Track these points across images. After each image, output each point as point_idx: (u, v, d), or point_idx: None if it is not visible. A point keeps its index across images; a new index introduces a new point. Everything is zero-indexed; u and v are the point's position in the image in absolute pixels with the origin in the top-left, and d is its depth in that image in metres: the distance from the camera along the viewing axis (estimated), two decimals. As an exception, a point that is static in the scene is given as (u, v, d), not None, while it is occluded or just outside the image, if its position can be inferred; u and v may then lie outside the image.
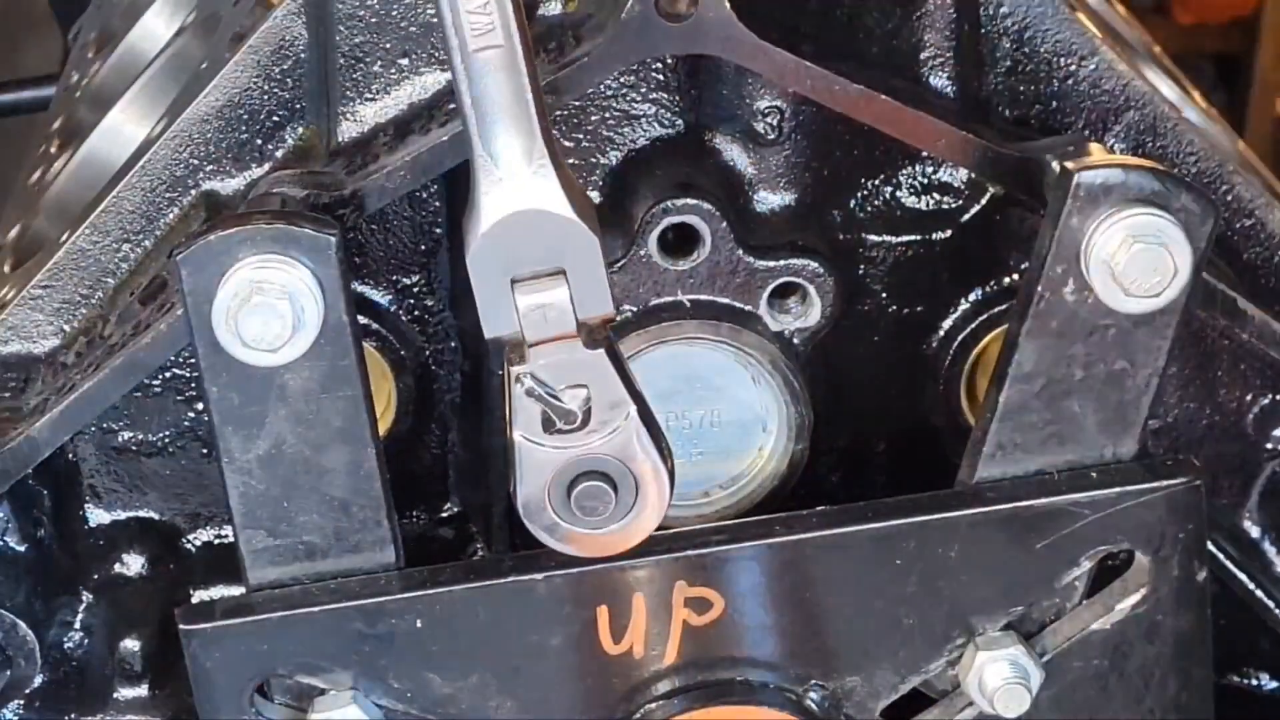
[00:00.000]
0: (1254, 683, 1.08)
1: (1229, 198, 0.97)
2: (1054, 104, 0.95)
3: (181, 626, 0.86)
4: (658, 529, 0.84)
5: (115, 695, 0.97)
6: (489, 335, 0.77)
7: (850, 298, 0.96)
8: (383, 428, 0.97)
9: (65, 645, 0.96)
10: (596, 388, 0.78)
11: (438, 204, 0.97)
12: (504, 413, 0.79)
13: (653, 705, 0.90)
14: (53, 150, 1.17)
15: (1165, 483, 0.90)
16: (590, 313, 0.77)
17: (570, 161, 0.94)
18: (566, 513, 0.80)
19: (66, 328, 0.94)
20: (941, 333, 0.99)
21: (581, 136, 0.94)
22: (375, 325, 0.98)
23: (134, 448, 0.97)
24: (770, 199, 0.95)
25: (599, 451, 0.79)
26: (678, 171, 0.94)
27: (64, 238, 0.94)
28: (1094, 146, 0.89)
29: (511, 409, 0.78)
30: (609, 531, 0.80)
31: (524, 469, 0.79)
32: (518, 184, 0.75)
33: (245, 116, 0.92)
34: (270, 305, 0.81)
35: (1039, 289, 0.86)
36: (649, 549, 0.88)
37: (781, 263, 0.93)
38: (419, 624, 0.87)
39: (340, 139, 0.91)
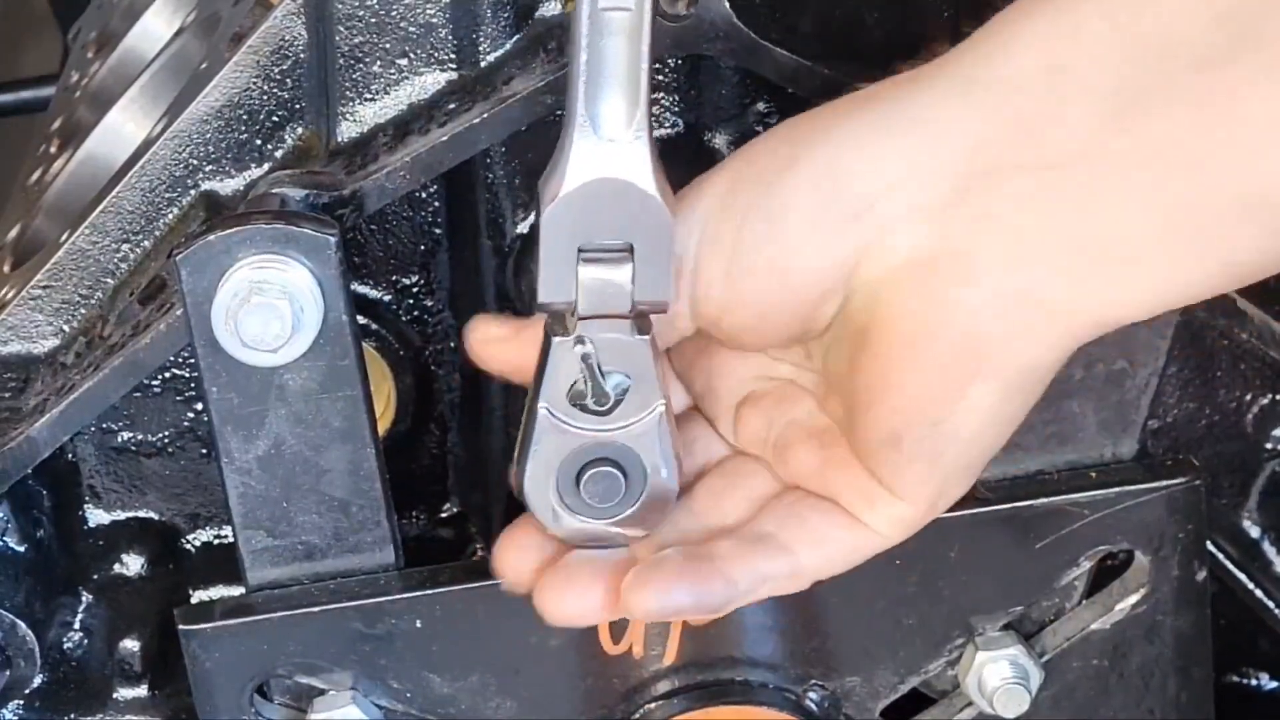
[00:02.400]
0: (1254, 683, 1.08)
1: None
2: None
3: (181, 627, 0.86)
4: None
5: (115, 695, 0.97)
6: (542, 300, 0.74)
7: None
8: (382, 428, 0.97)
9: (65, 645, 0.96)
10: (635, 375, 0.76)
11: (437, 204, 0.97)
12: (512, 389, 0.77)
13: (652, 705, 0.90)
14: (52, 150, 1.17)
15: (1165, 483, 0.90)
16: (648, 297, 0.75)
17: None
18: (572, 498, 0.78)
19: (66, 328, 0.94)
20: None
21: (581, 136, 0.94)
22: (375, 325, 0.98)
23: (134, 448, 0.97)
24: (770, 199, 0.95)
25: (620, 441, 0.77)
26: (677, 172, 0.94)
27: (63, 238, 0.94)
28: None
29: (543, 379, 0.76)
30: (608, 524, 0.79)
31: (540, 444, 0.77)
32: (612, 150, 0.73)
33: (245, 116, 0.92)
34: (270, 305, 0.81)
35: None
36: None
37: (781, 263, 0.93)
38: (419, 624, 0.87)
39: (340, 139, 0.91)
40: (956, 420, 0.75)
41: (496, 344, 0.81)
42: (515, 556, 0.81)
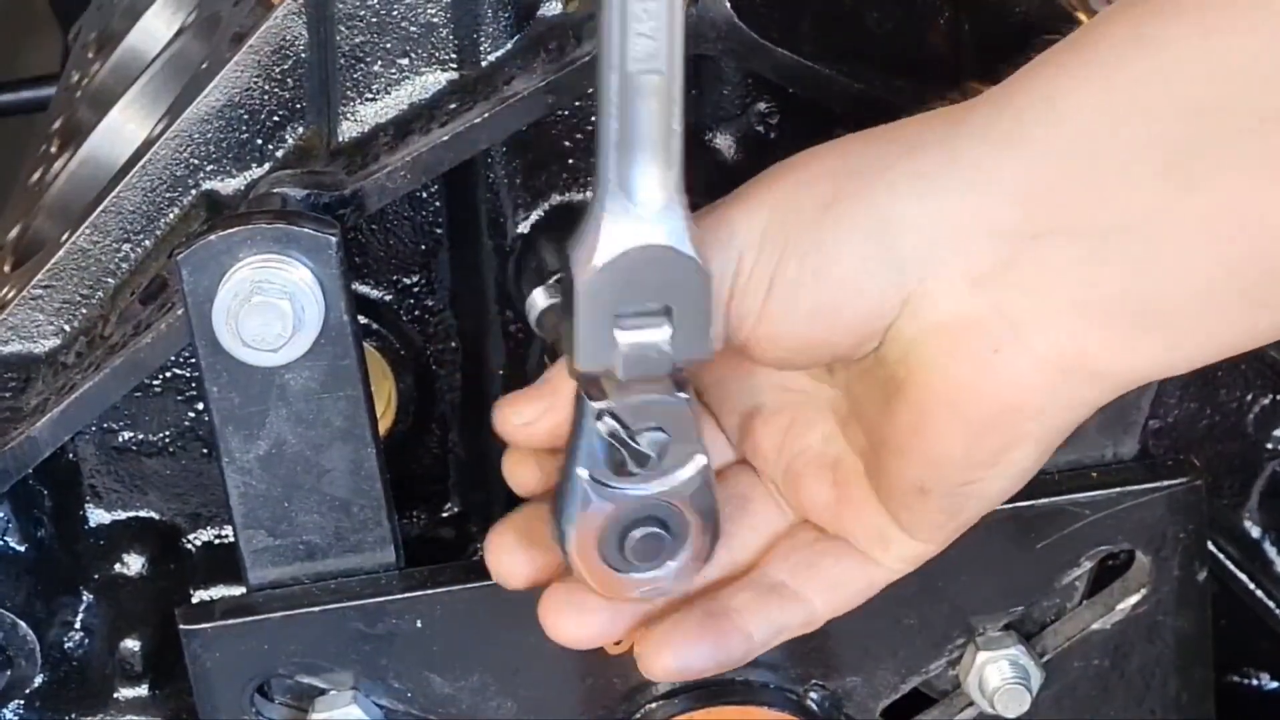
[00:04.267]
0: (1254, 683, 1.08)
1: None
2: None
3: (181, 626, 0.86)
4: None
5: (115, 695, 0.97)
6: (582, 369, 0.72)
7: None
8: (383, 428, 0.97)
9: (65, 645, 0.96)
10: (674, 432, 0.74)
11: (438, 204, 0.97)
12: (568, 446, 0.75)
13: (653, 705, 0.90)
14: (53, 150, 1.17)
15: (1165, 483, 0.90)
16: (689, 355, 0.72)
17: (570, 162, 0.95)
18: (616, 556, 0.76)
19: (67, 328, 0.94)
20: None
21: (581, 137, 0.94)
22: (375, 325, 0.98)
23: (134, 448, 0.97)
24: (771, 199, 0.95)
25: (662, 498, 0.75)
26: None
27: (64, 238, 0.94)
28: None
29: (579, 445, 0.74)
30: (651, 577, 0.77)
31: (582, 509, 0.75)
32: (647, 217, 0.70)
33: (245, 116, 0.92)
34: (271, 305, 0.81)
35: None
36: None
37: (782, 263, 0.93)
38: (419, 624, 0.87)
39: (340, 139, 0.91)
40: (987, 481, 0.74)
41: (531, 428, 0.79)
42: (509, 560, 0.81)
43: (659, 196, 0.70)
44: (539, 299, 0.91)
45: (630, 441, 0.74)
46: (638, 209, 0.70)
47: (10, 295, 0.95)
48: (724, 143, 0.95)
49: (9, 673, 0.93)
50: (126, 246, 0.93)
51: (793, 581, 0.80)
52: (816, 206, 0.74)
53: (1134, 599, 0.92)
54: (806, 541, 0.80)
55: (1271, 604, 1.01)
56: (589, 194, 0.94)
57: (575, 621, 0.79)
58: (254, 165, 0.93)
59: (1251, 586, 1.01)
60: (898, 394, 0.74)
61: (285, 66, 0.92)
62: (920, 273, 0.72)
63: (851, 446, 0.79)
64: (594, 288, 0.70)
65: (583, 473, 0.74)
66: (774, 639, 0.80)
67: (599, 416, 0.73)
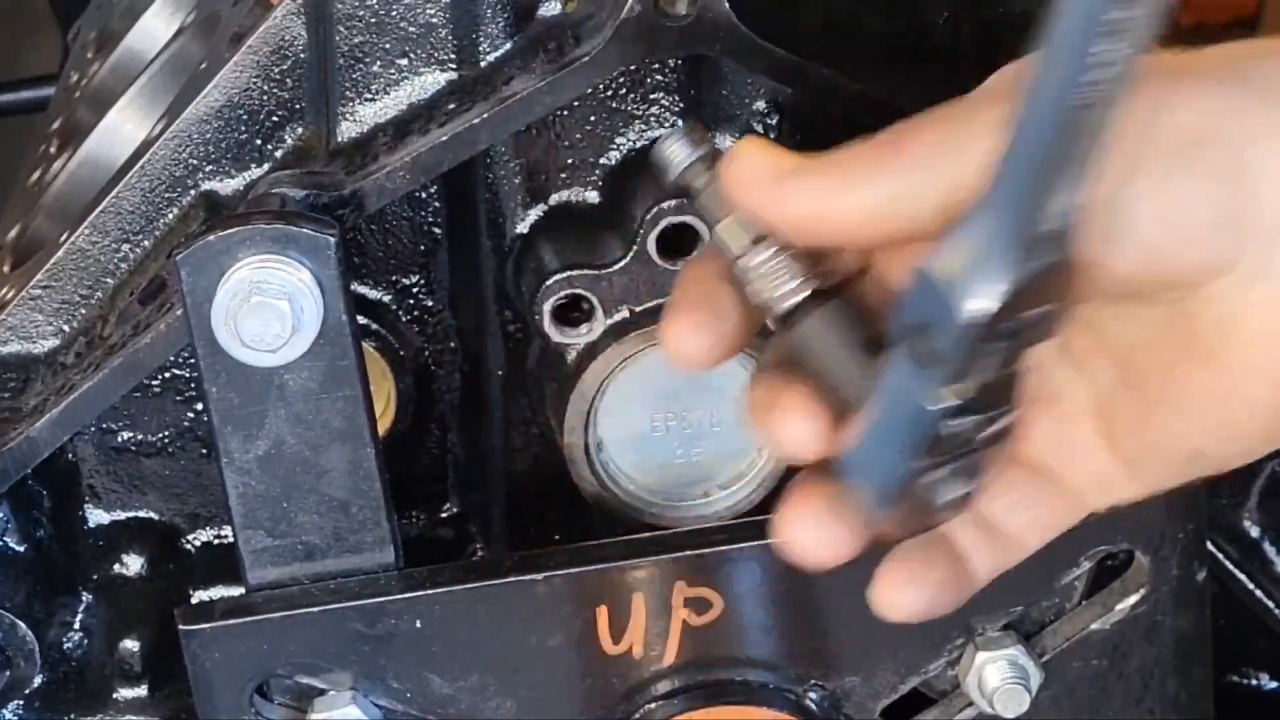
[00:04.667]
0: (1254, 683, 1.08)
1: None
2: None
3: (181, 627, 0.86)
4: (658, 530, 0.84)
5: (115, 695, 0.97)
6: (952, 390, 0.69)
7: (850, 298, 0.96)
8: (382, 428, 0.97)
9: (65, 645, 0.96)
10: (1006, 401, 0.71)
11: (437, 204, 0.97)
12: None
13: (652, 705, 0.90)
14: (52, 150, 1.18)
15: (1165, 482, 0.90)
16: (1048, 338, 0.69)
17: (569, 162, 0.95)
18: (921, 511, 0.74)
19: (66, 328, 0.94)
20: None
21: (580, 137, 0.94)
22: (375, 325, 0.98)
23: (133, 448, 0.97)
24: (770, 199, 0.95)
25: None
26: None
27: (63, 238, 0.94)
28: None
29: (908, 432, 0.70)
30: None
31: (905, 491, 0.72)
32: (1054, 239, 0.66)
33: (244, 117, 0.92)
34: (270, 305, 0.81)
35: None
36: (648, 549, 0.88)
37: (781, 263, 0.93)
38: (418, 624, 0.87)
39: (340, 139, 0.91)
40: (1260, 455, 0.72)
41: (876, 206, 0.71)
42: (803, 429, 0.73)
43: (1065, 221, 0.66)
44: (679, 151, 0.78)
45: (970, 428, 0.71)
46: (1038, 231, 0.66)
47: (9, 295, 0.95)
48: (724, 143, 0.95)
49: (8, 673, 0.93)
50: (125, 247, 0.93)
51: (1009, 520, 0.76)
52: (1176, 140, 0.69)
53: (1133, 599, 0.92)
54: (1018, 479, 0.76)
55: (1271, 604, 1.01)
56: (589, 193, 0.95)
57: (817, 536, 0.74)
58: (253, 165, 0.93)
59: (1251, 586, 1.01)
60: (1206, 358, 0.70)
61: (284, 67, 0.92)
62: (1267, 237, 0.68)
63: (1084, 382, 0.75)
64: (986, 318, 0.67)
65: (916, 464, 0.71)
66: (988, 580, 0.77)
67: (948, 415, 0.70)
